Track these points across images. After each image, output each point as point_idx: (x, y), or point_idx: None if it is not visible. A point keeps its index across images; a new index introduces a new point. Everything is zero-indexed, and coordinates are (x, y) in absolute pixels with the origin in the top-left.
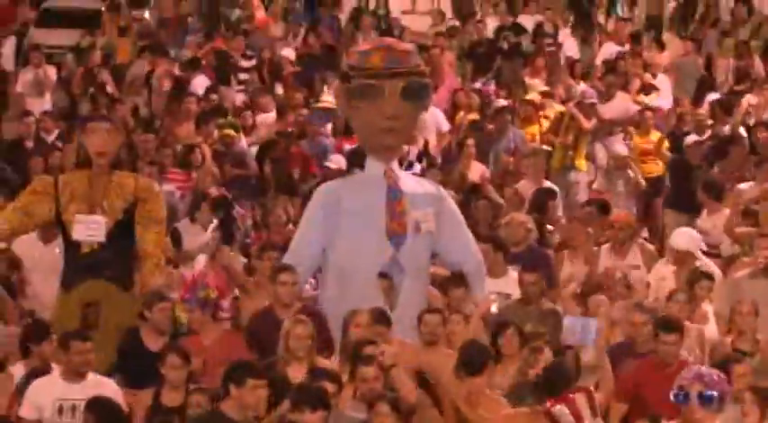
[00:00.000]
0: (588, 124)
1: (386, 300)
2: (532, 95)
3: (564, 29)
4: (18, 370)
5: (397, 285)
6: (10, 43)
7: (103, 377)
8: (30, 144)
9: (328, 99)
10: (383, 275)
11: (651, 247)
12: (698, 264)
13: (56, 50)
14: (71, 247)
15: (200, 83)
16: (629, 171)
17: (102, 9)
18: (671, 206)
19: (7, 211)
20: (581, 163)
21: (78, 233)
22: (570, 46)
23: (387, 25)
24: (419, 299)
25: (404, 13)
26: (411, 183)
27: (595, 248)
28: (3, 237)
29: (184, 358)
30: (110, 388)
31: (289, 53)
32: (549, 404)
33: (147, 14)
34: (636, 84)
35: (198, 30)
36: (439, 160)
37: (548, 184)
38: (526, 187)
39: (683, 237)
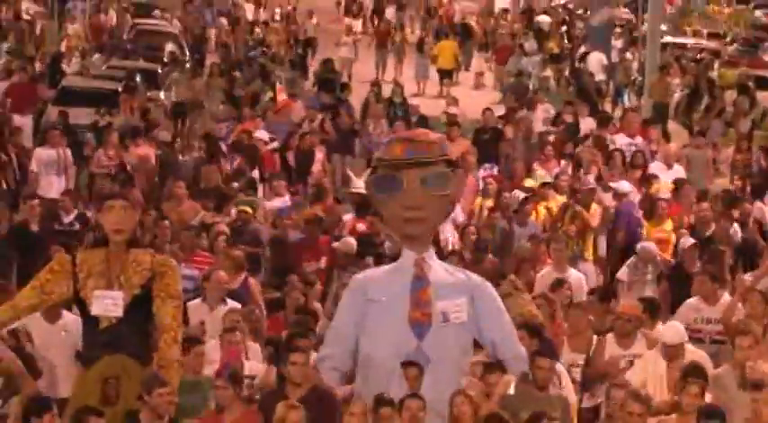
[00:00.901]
0: (594, 222)
1: (410, 388)
2: (531, 183)
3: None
4: None
5: (421, 374)
6: (28, 121)
7: None
8: (35, 228)
9: (359, 185)
10: (410, 363)
11: (655, 337)
12: (688, 353)
13: (73, 129)
14: (89, 323)
15: None
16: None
17: (119, 89)
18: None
19: (26, 289)
20: (588, 253)
21: (97, 308)
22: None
23: (403, 111)
24: (446, 388)
25: (414, 96)
26: (442, 272)
27: (600, 337)
28: (9, 324)
29: None
30: None
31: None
32: None
33: (162, 96)
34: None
35: (230, 118)
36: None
37: (572, 271)
38: (550, 275)
39: (672, 330)
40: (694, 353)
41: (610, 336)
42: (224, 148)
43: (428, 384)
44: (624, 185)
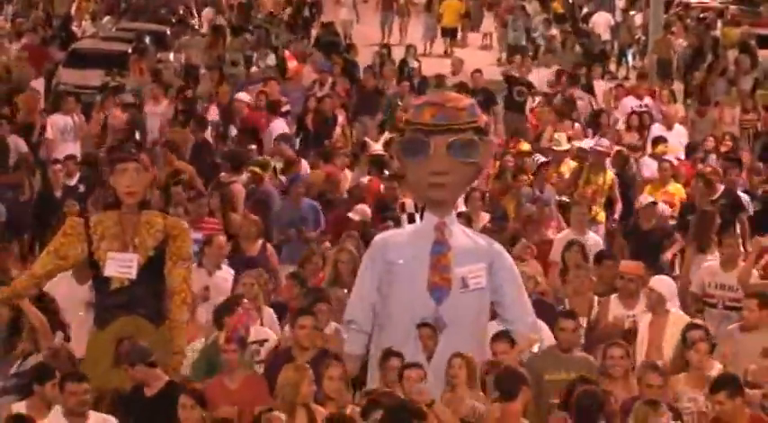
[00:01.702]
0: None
1: (424, 349)
2: (563, 147)
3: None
4: (18, 408)
5: (436, 336)
6: (39, 83)
7: (108, 416)
8: (58, 193)
9: (378, 147)
10: (426, 324)
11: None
12: (672, 311)
13: (83, 91)
14: (102, 284)
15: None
16: None
17: (129, 51)
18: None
19: (42, 255)
20: (601, 215)
21: (110, 269)
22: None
23: (409, 74)
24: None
25: (422, 55)
26: (462, 237)
27: (604, 298)
28: (30, 292)
29: (196, 399)
30: None
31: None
32: None
33: (171, 57)
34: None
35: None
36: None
37: (591, 234)
38: (569, 237)
39: (662, 282)
40: (680, 317)
41: (613, 297)
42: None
43: (443, 349)
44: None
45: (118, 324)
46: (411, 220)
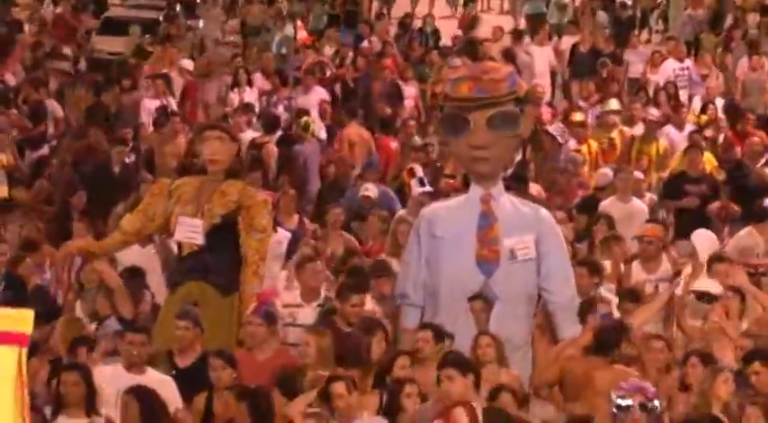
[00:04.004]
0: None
1: (477, 322)
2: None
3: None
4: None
5: (488, 309)
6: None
7: (165, 376)
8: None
9: None
10: (477, 297)
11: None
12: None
13: (116, 57)
14: (177, 248)
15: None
16: None
17: (160, 18)
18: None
19: (131, 215)
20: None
21: (178, 234)
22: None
23: (434, 42)
24: (513, 325)
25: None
26: (509, 208)
27: (626, 264)
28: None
29: (226, 360)
30: (169, 385)
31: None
32: None
33: (200, 24)
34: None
35: None
36: None
37: (636, 201)
38: (615, 205)
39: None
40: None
41: (635, 262)
42: None
43: (495, 322)
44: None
45: (185, 289)
46: (421, 183)
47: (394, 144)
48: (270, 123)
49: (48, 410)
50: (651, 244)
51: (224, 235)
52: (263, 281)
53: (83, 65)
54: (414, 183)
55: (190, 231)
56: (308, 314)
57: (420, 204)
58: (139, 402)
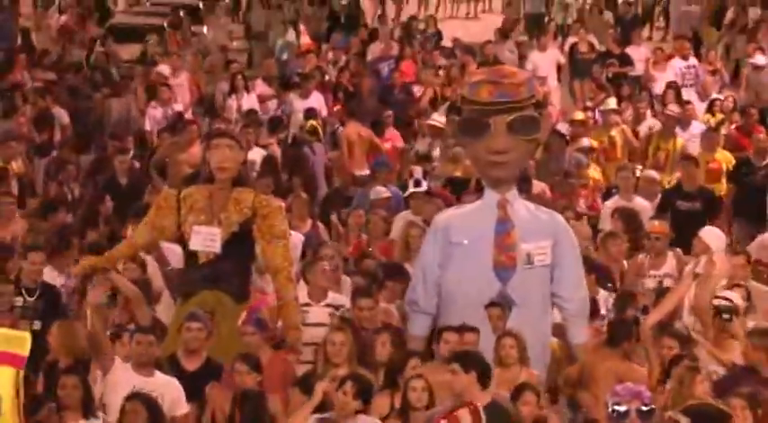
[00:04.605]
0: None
1: (494, 329)
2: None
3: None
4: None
5: (505, 316)
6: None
7: (172, 378)
8: (124, 181)
9: (439, 119)
10: (494, 304)
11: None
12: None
13: (122, 64)
14: (190, 257)
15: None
16: None
17: (165, 25)
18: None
19: (139, 227)
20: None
21: (195, 243)
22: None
23: (435, 43)
24: (529, 330)
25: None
26: (525, 213)
27: (632, 259)
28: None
29: (252, 366)
30: (174, 387)
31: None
32: None
33: (204, 30)
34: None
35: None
36: None
37: (638, 199)
38: (618, 203)
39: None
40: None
41: (641, 256)
42: None
43: (510, 326)
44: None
45: (199, 297)
46: (417, 184)
47: (387, 144)
48: (274, 125)
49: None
50: (658, 240)
51: (239, 243)
52: (296, 284)
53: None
54: (410, 183)
55: (208, 240)
56: (317, 313)
57: (423, 204)
58: (147, 409)
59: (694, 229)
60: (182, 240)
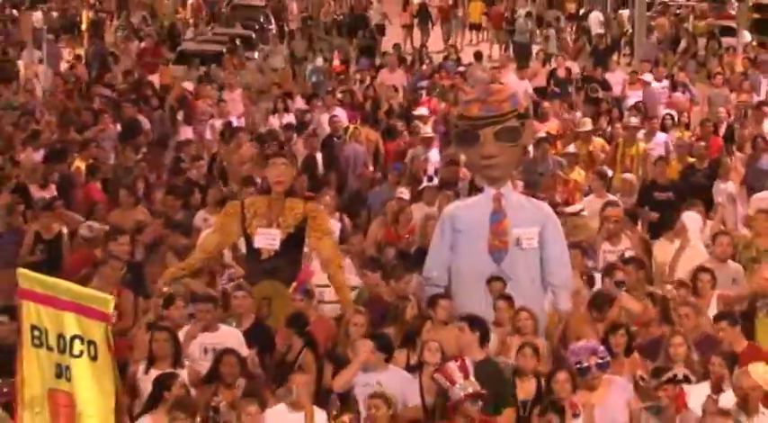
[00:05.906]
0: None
1: (495, 298)
2: (587, 128)
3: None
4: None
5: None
6: (154, 78)
7: (231, 328)
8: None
9: (427, 130)
10: (494, 278)
11: (639, 233)
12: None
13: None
14: (253, 253)
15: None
16: None
17: (224, 51)
18: None
19: (209, 233)
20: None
21: (259, 242)
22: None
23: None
24: (522, 301)
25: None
26: (517, 204)
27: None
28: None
29: (298, 331)
30: (237, 336)
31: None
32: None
33: (256, 55)
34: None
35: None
36: None
37: (609, 196)
38: (593, 202)
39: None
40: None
41: (599, 238)
42: None
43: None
44: (632, 120)
45: (260, 287)
46: (430, 179)
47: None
48: (299, 125)
49: (142, 365)
50: (616, 223)
51: (293, 242)
52: (345, 272)
53: None
54: (425, 179)
55: (269, 239)
56: (333, 293)
57: (433, 196)
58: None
59: (670, 214)
60: (246, 240)
